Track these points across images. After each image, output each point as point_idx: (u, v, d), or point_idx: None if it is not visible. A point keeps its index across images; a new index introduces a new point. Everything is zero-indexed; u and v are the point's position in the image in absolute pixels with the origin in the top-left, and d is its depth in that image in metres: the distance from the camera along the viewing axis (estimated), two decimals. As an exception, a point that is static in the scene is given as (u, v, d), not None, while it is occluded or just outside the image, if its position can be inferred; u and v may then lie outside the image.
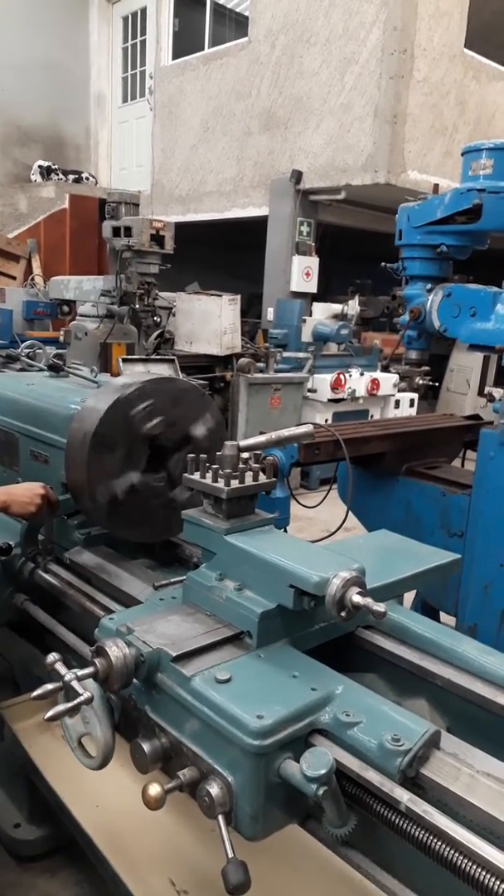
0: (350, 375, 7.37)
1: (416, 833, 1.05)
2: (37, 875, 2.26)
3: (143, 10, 11.86)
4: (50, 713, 1.19)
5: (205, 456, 1.53)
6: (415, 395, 7.91)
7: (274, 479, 1.54)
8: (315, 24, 8.62)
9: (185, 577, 1.73)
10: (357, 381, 7.41)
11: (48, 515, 2.09)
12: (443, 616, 3.11)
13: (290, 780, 1.11)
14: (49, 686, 1.22)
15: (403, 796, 1.06)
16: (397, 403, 7.93)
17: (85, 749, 1.36)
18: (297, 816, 1.22)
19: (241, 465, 1.50)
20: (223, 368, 7.19)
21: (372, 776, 1.10)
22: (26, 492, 2.00)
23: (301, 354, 7.40)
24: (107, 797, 1.95)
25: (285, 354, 7.25)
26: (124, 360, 5.79)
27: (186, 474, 1.53)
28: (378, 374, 7.62)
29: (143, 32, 11.93)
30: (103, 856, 1.81)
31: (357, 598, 1.22)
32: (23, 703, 2.42)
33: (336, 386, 7.19)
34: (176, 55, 11.32)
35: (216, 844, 1.78)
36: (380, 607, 1.20)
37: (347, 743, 1.14)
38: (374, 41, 7.96)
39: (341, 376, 7.25)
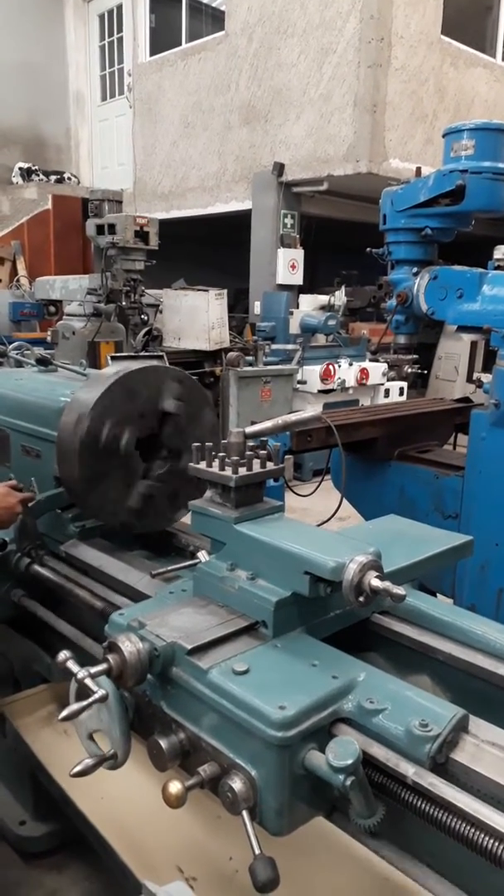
0: (339, 366, 7.36)
1: (444, 818, 1.02)
2: (44, 872, 2.23)
3: (119, 7, 11.75)
4: (64, 713, 1.15)
5: (210, 444, 1.49)
6: (404, 384, 7.90)
7: (282, 465, 1.50)
8: (291, 15, 8.58)
9: (182, 565, 1.71)
10: (346, 372, 7.40)
11: (26, 512, 2.07)
12: (440, 597, 3.09)
13: (316, 772, 1.07)
14: (75, 707, 1.17)
15: (409, 770, 1.04)
16: (387, 392, 7.92)
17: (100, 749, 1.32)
18: (322, 809, 1.19)
19: (247, 453, 1.47)
20: (212, 363, 7.16)
21: (379, 752, 1.07)
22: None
23: (289, 346, 7.38)
24: (112, 789, 1.92)
25: (274, 347, 7.22)
26: (113, 358, 5.72)
27: (192, 464, 1.49)
28: (367, 364, 7.62)
29: (120, 29, 11.82)
30: (110, 846, 1.79)
31: (376, 582, 1.18)
32: (24, 699, 2.40)
33: (325, 377, 7.18)
34: (154, 51, 11.23)
35: (223, 830, 1.77)
36: (399, 590, 1.17)
37: (373, 731, 1.11)
38: (351, 30, 7.93)
39: (330, 367, 7.24)
